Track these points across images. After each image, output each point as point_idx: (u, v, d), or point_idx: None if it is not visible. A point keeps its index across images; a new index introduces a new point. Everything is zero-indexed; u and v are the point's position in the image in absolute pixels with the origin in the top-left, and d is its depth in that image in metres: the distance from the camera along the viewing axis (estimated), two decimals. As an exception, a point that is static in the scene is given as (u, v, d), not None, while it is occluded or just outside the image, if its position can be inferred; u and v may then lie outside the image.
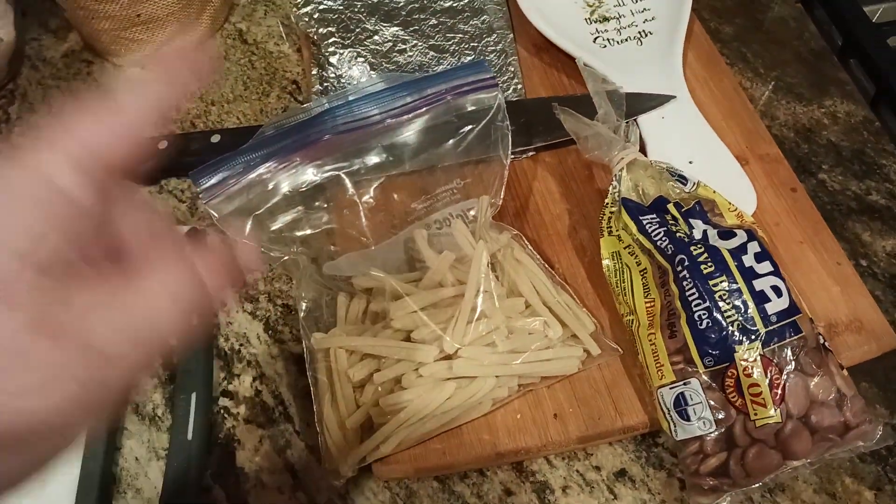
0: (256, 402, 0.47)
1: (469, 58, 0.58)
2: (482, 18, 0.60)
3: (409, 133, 0.47)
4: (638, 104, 0.52)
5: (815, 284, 0.46)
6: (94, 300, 0.21)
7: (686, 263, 0.41)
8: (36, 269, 0.20)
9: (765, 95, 0.57)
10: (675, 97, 0.52)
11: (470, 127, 0.46)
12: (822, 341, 0.41)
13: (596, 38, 0.57)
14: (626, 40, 0.57)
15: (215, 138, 0.55)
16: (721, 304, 0.40)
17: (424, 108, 0.47)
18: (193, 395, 0.46)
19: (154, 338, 0.23)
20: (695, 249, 0.42)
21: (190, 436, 0.45)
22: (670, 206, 0.44)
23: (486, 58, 0.57)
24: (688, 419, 0.40)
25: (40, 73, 0.65)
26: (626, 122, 0.47)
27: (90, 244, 0.22)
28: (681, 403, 0.40)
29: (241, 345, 0.49)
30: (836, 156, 0.54)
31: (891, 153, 0.53)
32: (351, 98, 0.47)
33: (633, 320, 0.44)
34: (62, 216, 0.21)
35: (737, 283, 0.40)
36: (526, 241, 0.46)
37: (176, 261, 0.24)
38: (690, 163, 0.50)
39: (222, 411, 0.47)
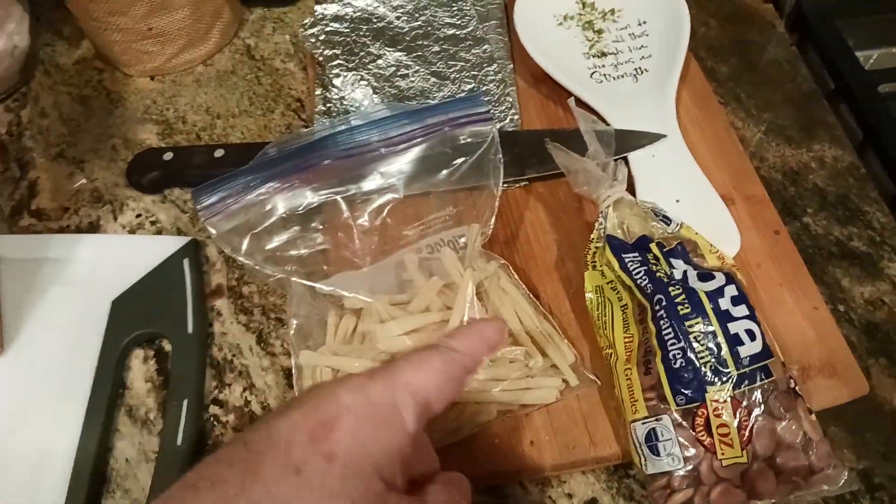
0: (245, 412, 0.49)
1: (469, 86, 0.59)
2: (484, 48, 0.61)
3: (406, 161, 0.48)
4: (629, 141, 0.54)
5: (791, 327, 0.48)
6: None
7: (664, 303, 0.43)
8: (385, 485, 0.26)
9: (756, 137, 0.59)
10: (665, 136, 0.54)
11: (463, 159, 0.47)
12: (792, 385, 0.42)
13: (593, 73, 0.59)
14: (623, 76, 0.59)
15: (219, 153, 0.56)
16: (695, 344, 0.41)
17: (422, 138, 0.48)
18: (185, 402, 0.48)
19: None
20: (673, 290, 0.43)
21: (179, 441, 0.46)
22: (653, 246, 0.46)
23: (486, 87, 0.59)
24: (657, 454, 0.41)
25: (52, 78, 0.66)
26: (615, 161, 0.49)
27: (406, 466, 0.28)
28: (652, 439, 0.42)
29: (233, 355, 0.51)
30: (821, 200, 0.55)
31: (874, 200, 0.55)
32: (354, 123, 0.49)
33: (611, 354, 0.45)
34: (402, 444, 0.27)
35: (712, 325, 0.42)
36: (512, 271, 0.48)
37: (444, 489, 0.31)
38: (677, 201, 0.52)
39: (212, 418, 0.48)
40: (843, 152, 0.57)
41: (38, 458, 0.46)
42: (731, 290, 0.43)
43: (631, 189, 0.52)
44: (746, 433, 0.40)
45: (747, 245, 0.51)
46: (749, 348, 0.42)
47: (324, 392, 0.27)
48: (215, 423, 0.48)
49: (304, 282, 0.46)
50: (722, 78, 0.62)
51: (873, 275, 0.52)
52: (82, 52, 0.68)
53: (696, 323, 0.42)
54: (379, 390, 0.27)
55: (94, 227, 0.57)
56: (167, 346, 0.51)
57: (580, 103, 0.57)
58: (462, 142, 0.47)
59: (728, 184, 0.54)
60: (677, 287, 0.43)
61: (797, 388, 0.42)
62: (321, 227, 0.48)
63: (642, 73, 0.59)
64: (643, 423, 0.42)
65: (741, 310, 0.43)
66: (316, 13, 0.64)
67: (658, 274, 0.44)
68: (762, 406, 0.41)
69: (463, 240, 0.48)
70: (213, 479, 0.25)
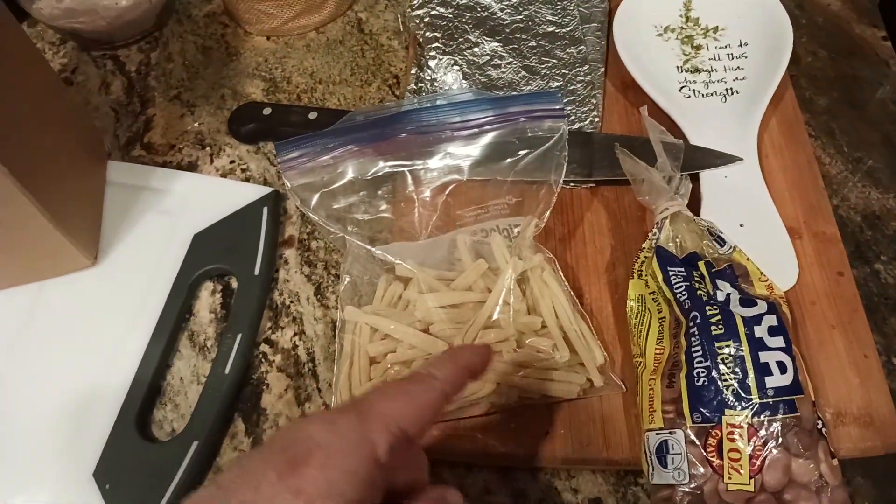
0: (291, 355, 0.52)
1: (557, 83, 0.60)
2: (579, 48, 0.62)
3: (475, 146, 0.50)
4: (704, 158, 0.53)
5: (834, 370, 0.47)
6: None
7: (698, 321, 0.43)
8: None
9: (842, 174, 0.57)
10: (741, 160, 0.53)
11: (527, 151, 0.49)
12: (819, 426, 0.42)
13: (682, 88, 0.59)
14: (712, 95, 0.58)
15: (312, 115, 0.60)
16: (722, 366, 0.42)
17: (495, 125, 0.50)
18: (239, 336, 0.52)
19: None
20: (710, 310, 0.43)
21: (227, 370, 0.51)
22: (701, 264, 0.46)
23: (573, 86, 0.60)
24: (665, 466, 0.42)
25: (183, 27, 0.73)
26: (681, 175, 0.49)
27: (378, 491, 0.29)
28: (662, 450, 0.42)
29: (291, 301, 0.55)
30: (898, 249, 0.53)
31: (957, 258, 0.52)
32: (439, 102, 0.52)
33: (640, 362, 0.46)
34: (373, 476, 0.28)
35: (742, 350, 0.42)
36: (557, 266, 0.49)
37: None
38: (741, 226, 0.51)
39: (261, 356, 0.52)
40: (933, 204, 0.55)
41: (107, 361, 0.51)
42: (770, 320, 0.43)
43: (697, 205, 0.52)
44: (758, 462, 0.40)
45: (806, 281, 0.50)
46: (777, 380, 0.41)
47: (295, 430, 0.28)
48: (263, 360, 0.52)
49: (361, 244, 0.49)
50: (818, 110, 0.60)
51: (938, 334, 0.49)
52: (213, 6, 0.74)
53: (727, 346, 0.42)
54: (348, 424, 0.28)
55: (192, 166, 0.62)
56: (234, 284, 0.56)
57: (664, 116, 0.57)
58: (531, 134, 0.49)
59: (799, 217, 0.52)
60: (715, 307, 0.43)
61: (824, 429, 0.42)
62: (386, 195, 0.51)
63: (732, 93, 0.58)
64: (657, 434, 0.43)
65: (777, 341, 0.43)
66: (425, -5, 0.67)
67: (699, 292, 0.44)
68: (779, 439, 0.40)
69: (517, 229, 0.50)
70: None
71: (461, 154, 0.50)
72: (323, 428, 0.28)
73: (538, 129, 0.49)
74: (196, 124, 0.65)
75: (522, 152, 0.49)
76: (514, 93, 0.59)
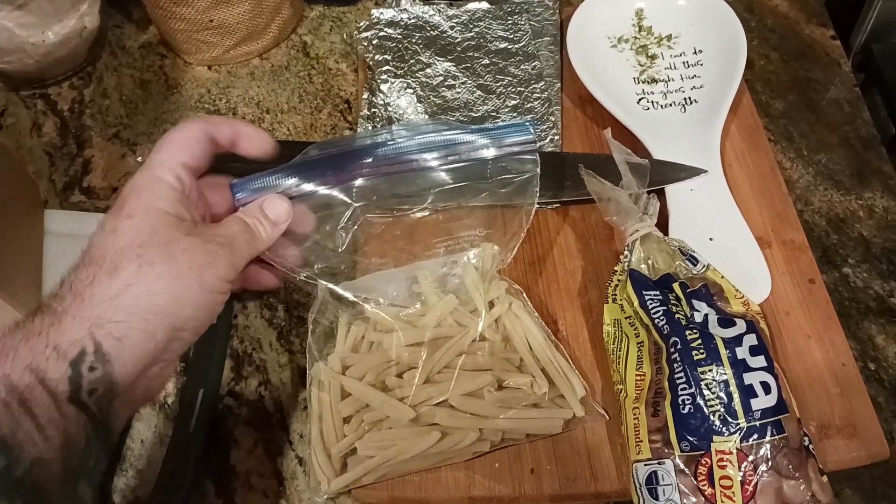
0: (258, 407, 0.50)
1: (514, 102, 0.59)
2: (533, 64, 0.61)
3: (443, 178, 0.48)
4: (667, 173, 0.53)
5: (814, 381, 0.46)
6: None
7: (679, 346, 0.42)
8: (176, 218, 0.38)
9: (803, 178, 0.57)
10: (706, 171, 0.53)
11: (497, 187, 0.47)
12: (806, 443, 0.41)
13: (640, 100, 0.58)
14: (671, 105, 0.57)
15: (262, 148, 0.57)
16: (706, 392, 0.41)
17: (466, 161, 0.47)
18: (201, 392, 0.49)
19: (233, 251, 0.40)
20: (689, 334, 0.42)
21: (192, 428, 0.48)
22: (675, 286, 0.45)
23: (530, 104, 0.59)
24: (656, 498, 0.41)
25: (118, 59, 0.69)
26: (648, 194, 0.48)
27: (192, 208, 0.39)
28: (652, 481, 0.41)
29: (253, 349, 0.52)
30: (864, 251, 0.53)
31: (923, 257, 0.52)
32: (401, 139, 0.48)
33: (622, 389, 0.45)
34: (175, 195, 0.38)
35: (726, 373, 0.41)
36: (525, 297, 0.47)
37: (242, 216, 0.42)
38: (711, 239, 0.50)
39: (226, 410, 0.50)
40: (895, 203, 0.55)
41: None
42: (750, 339, 0.42)
43: (664, 221, 0.51)
44: (750, 488, 0.39)
45: (779, 291, 0.49)
46: (762, 401, 0.41)
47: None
48: (228, 414, 0.50)
49: (324, 283, 0.46)
50: (775, 114, 0.60)
51: (911, 335, 0.49)
52: (148, 36, 0.71)
53: (709, 370, 0.41)
54: (139, 178, 0.38)
55: (137, 210, 0.59)
56: (192, 334, 0.52)
57: (624, 130, 0.56)
58: (501, 175, 0.47)
59: (766, 226, 0.52)
60: (694, 331, 0.42)
61: (811, 446, 0.41)
62: (352, 227, 0.48)
63: (691, 103, 0.57)
64: (646, 465, 0.42)
65: (759, 360, 0.42)
66: (372, 17, 0.65)
67: (677, 315, 0.43)
68: (769, 462, 0.40)
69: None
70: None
71: (427, 185, 0.47)
72: (129, 188, 0.38)
73: (509, 166, 0.47)
74: (139, 163, 0.62)
75: (492, 187, 0.47)
76: (475, 114, 0.56)
